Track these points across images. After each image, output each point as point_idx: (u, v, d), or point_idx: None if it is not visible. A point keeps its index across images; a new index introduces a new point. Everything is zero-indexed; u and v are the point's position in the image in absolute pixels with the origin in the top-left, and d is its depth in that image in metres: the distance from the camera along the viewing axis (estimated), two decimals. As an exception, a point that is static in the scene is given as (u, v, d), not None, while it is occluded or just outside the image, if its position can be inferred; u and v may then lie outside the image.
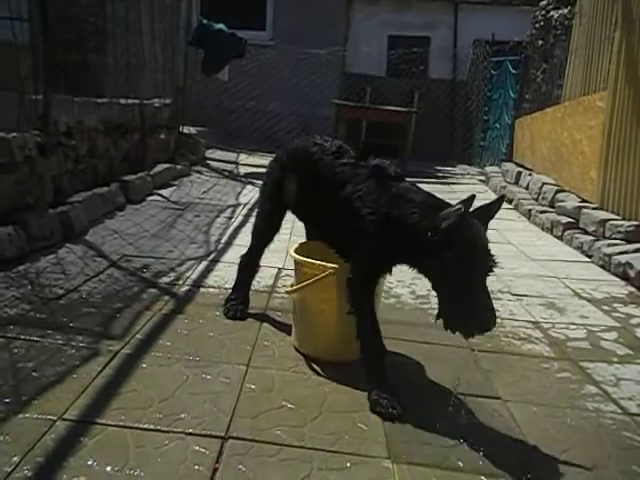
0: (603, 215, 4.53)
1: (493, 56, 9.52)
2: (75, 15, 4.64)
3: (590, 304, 3.29)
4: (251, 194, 5.69)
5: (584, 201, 5.08)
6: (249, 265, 2.78)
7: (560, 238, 4.87)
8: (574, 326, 2.94)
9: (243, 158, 8.17)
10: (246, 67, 8.96)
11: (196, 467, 1.60)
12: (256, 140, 9.18)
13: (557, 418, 2.03)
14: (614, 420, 2.05)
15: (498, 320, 2.87)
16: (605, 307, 3.25)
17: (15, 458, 1.56)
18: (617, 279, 3.79)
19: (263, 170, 2.90)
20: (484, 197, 7.29)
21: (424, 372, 2.31)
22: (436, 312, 1.98)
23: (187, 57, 7.23)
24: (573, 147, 5.60)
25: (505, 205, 6.53)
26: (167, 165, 6.07)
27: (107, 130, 4.79)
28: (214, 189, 5.91)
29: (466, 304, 1.86)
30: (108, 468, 1.57)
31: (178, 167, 6.32)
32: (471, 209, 1.88)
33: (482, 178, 8.40)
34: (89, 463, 1.58)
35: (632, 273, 3.65)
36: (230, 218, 4.71)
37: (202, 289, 3.04)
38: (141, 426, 1.76)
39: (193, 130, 7.83)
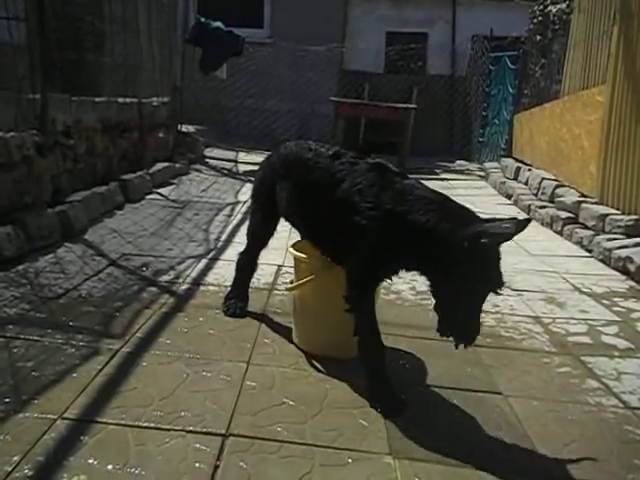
0: (603, 210, 4.52)
1: (491, 51, 9.50)
2: (72, 14, 4.63)
3: (590, 299, 3.29)
4: (250, 192, 5.67)
5: (583, 196, 5.07)
6: (247, 264, 2.77)
7: (560, 233, 4.86)
8: (575, 321, 2.94)
9: (242, 156, 8.17)
10: (244, 65, 8.94)
11: (197, 465, 1.60)
12: (255, 138, 9.16)
13: (558, 413, 2.03)
14: (615, 414, 2.05)
15: (499, 315, 2.91)
16: (605, 301, 3.25)
17: (15, 457, 1.56)
18: (617, 273, 3.78)
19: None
20: (483, 193, 7.29)
21: (425, 368, 2.31)
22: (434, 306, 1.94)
23: (185, 55, 7.21)
24: (572, 142, 5.59)
25: (505, 201, 6.53)
26: (166, 164, 6.06)
27: (105, 129, 4.78)
28: (213, 187, 5.90)
29: (465, 317, 1.82)
30: (109, 466, 1.57)
31: (177, 165, 6.31)
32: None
33: (481, 174, 8.39)
34: (90, 462, 1.58)
35: (632, 267, 3.65)
36: (229, 216, 4.71)
37: (202, 287, 3.03)
38: (141, 424, 1.76)
39: (192, 128, 7.83)
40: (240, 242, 3.72)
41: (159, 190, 5.37)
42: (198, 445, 1.68)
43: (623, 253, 3.81)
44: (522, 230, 1.76)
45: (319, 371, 2.20)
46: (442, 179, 7.99)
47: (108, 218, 4.23)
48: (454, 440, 1.81)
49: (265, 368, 2.19)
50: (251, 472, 1.59)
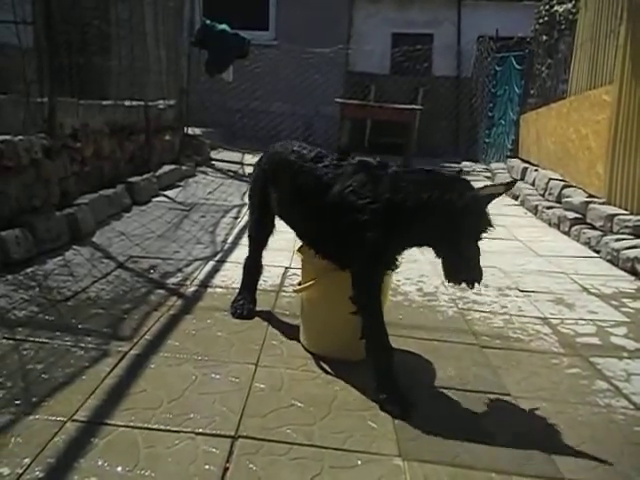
0: (610, 210, 4.50)
1: (497, 52, 9.48)
2: (79, 18, 4.65)
3: (599, 299, 3.27)
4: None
5: (591, 196, 5.05)
6: (252, 267, 2.79)
7: (567, 234, 4.84)
8: (583, 322, 2.92)
9: (248, 158, 8.17)
10: (250, 67, 8.96)
11: (206, 467, 1.60)
12: (261, 140, 9.17)
13: (568, 414, 2.02)
14: (625, 415, 2.04)
15: (507, 317, 2.90)
16: (614, 302, 3.23)
17: (26, 459, 1.57)
18: (625, 274, 3.77)
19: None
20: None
21: (433, 369, 2.30)
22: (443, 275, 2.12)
23: (191, 58, 7.24)
24: (579, 142, 5.57)
25: (511, 201, 6.51)
26: (172, 166, 6.09)
27: (112, 132, 4.81)
28: (219, 189, 5.91)
29: (467, 262, 2.03)
30: (119, 468, 1.57)
31: (183, 168, 6.33)
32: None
33: (488, 175, 8.37)
34: (100, 464, 1.58)
35: (641, 268, 3.63)
36: (236, 218, 4.71)
37: (209, 289, 3.04)
38: (151, 426, 1.77)
39: (198, 131, 7.85)
40: (247, 244, 3.72)
41: (166, 192, 5.39)
42: (207, 447, 1.69)
43: (631, 253, 3.80)
44: (510, 189, 2.10)
45: (327, 373, 2.20)
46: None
47: (115, 221, 4.25)
48: (464, 442, 1.80)
49: (273, 370, 2.19)
50: (261, 474, 1.59)
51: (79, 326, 2.44)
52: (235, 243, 3.97)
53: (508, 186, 2.06)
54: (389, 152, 9.38)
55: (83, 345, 2.26)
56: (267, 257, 3.39)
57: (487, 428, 1.89)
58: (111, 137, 4.79)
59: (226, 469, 1.60)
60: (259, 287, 3.07)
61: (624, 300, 3.28)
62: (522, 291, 3.34)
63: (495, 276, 3.60)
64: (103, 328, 2.44)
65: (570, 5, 6.74)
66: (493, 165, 8.55)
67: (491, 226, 2.02)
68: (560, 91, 6.71)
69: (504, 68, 9.05)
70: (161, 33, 6.20)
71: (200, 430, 1.76)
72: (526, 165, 7.11)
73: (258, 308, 2.75)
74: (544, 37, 7.51)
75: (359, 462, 1.67)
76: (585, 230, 4.58)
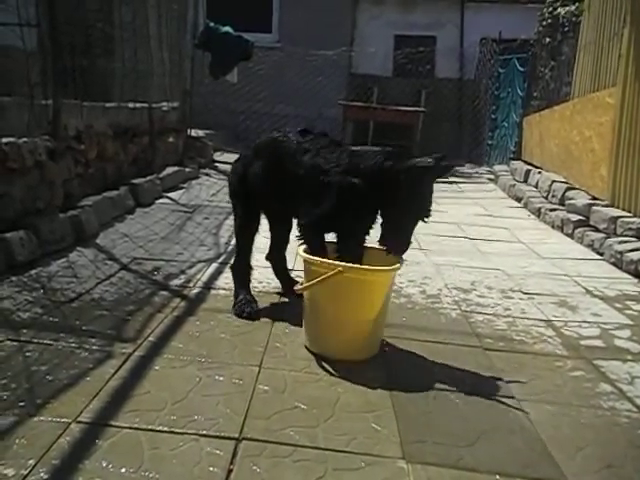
0: (614, 212, 4.50)
1: (500, 54, 9.49)
2: (82, 20, 4.67)
3: (602, 302, 3.27)
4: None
5: (594, 198, 5.05)
6: (242, 267, 2.83)
7: (571, 236, 4.84)
8: (587, 324, 2.92)
9: (251, 160, 8.18)
10: (253, 69, 8.99)
11: (211, 468, 1.60)
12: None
13: (571, 417, 2.02)
14: (629, 418, 2.03)
15: (510, 319, 2.90)
16: (618, 305, 3.23)
17: (31, 461, 1.57)
18: (629, 276, 3.76)
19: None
20: (493, 196, 7.29)
21: (436, 372, 2.30)
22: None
23: (194, 60, 7.25)
24: (583, 144, 5.57)
25: (515, 204, 6.51)
26: (176, 168, 6.10)
27: (116, 134, 4.82)
28: (223, 191, 5.91)
29: (400, 234, 2.37)
30: (123, 470, 1.57)
31: (187, 170, 6.34)
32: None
33: (491, 177, 8.37)
34: (104, 465, 1.59)
35: (644, 270, 3.62)
36: (239, 220, 4.71)
37: (212, 291, 3.04)
38: (155, 428, 1.77)
39: (201, 133, 7.86)
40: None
41: (169, 194, 5.40)
42: (211, 449, 1.69)
43: (635, 256, 3.79)
44: (441, 161, 2.29)
45: (331, 375, 2.20)
46: (451, 182, 7.97)
47: (119, 222, 4.26)
48: (467, 444, 1.80)
49: (277, 372, 2.19)
50: (264, 476, 1.59)
51: (83, 328, 2.44)
52: (238, 245, 3.97)
53: (438, 161, 2.27)
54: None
55: (87, 347, 2.27)
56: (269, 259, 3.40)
57: (490, 431, 1.89)
58: (115, 139, 4.81)
59: (230, 471, 1.60)
60: (262, 289, 3.08)
61: (628, 303, 3.27)
62: (525, 293, 3.34)
63: (498, 278, 3.60)
64: (107, 330, 2.44)
65: (573, 7, 6.75)
66: (496, 167, 8.55)
67: (428, 212, 2.33)
68: (563, 93, 6.72)
69: (507, 70, 9.06)
70: (164, 35, 6.22)
71: (204, 432, 1.76)
72: (529, 167, 7.12)
73: (261, 310, 2.75)
74: (547, 39, 7.52)
75: (363, 464, 1.67)
76: (588, 232, 4.58)
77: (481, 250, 4.34)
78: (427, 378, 2.25)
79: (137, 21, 5.49)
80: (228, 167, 7.50)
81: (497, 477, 1.66)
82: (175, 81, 6.71)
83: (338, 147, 2.52)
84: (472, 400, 2.08)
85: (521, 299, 3.24)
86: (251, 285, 2.87)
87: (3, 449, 1.62)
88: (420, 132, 8.83)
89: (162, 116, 6.07)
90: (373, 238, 2.51)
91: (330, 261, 2.28)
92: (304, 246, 2.48)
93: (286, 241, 3.00)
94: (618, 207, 4.63)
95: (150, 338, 2.39)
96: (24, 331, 2.36)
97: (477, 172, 9.07)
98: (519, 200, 6.51)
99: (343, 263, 2.25)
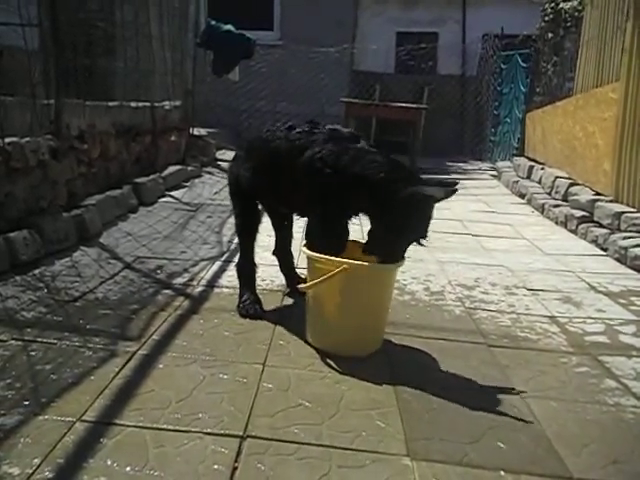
0: (618, 208, 4.48)
1: (503, 50, 9.46)
2: (84, 20, 4.67)
3: (607, 298, 3.26)
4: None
5: (598, 194, 5.03)
6: (246, 267, 2.81)
7: (574, 232, 4.82)
8: (591, 320, 2.91)
9: (253, 158, 8.18)
10: (255, 67, 8.97)
11: (215, 466, 1.60)
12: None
13: (577, 413, 2.01)
14: (635, 414, 2.03)
15: (514, 315, 2.89)
16: (622, 300, 3.22)
17: (36, 460, 1.58)
18: (633, 272, 3.75)
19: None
20: (496, 192, 7.26)
21: (440, 368, 2.30)
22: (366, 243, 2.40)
23: (196, 59, 7.25)
24: (586, 140, 5.55)
25: (518, 200, 6.49)
26: (178, 167, 6.10)
27: (118, 133, 4.82)
28: (225, 189, 5.83)
29: (391, 248, 2.30)
30: (128, 468, 1.57)
31: (189, 168, 6.34)
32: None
33: (494, 173, 8.35)
34: (109, 463, 1.59)
35: (649, 266, 3.61)
36: (242, 218, 4.71)
37: (216, 289, 3.04)
38: (160, 426, 1.77)
39: (203, 131, 7.86)
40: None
41: (172, 193, 5.41)
42: (216, 447, 1.69)
43: (639, 251, 3.77)
44: (449, 196, 2.21)
45: (335, 372, 2.20)
46: (454, 179, 7.95)
47: (122, 221, 4.27)
48: (472, 441, 1.80)
49: (281, 370, 2.19)
50: (269, 474, 1.59)
51: (87, 327, 2.45)
52: (241, 243, 3.97)
53: (449, 192, 2.20)
54: (395, 151, 9.37)
55: (91, 345, 2.27)
56: (273, 257, 3.40)
57: (495, 427, 1.88)
58: (117, 138, 4.81)
59: (235, 469, 1.60)
60: (266, 287, 3.08)
61: (632, 298, 3.26)
62: (529, 290, 3.33)
63: (502, 275, 3.59)
64: (111, 328, 2.45)
65: (576, 2, 6.72)
66: (499, 164, 8.53)
67: (424, 234, 2.28)
68: (566, 89, 6.69)
69: (509, 66, 9.03)
70: (166, 34, 6.21)
71: (208, 430, 1.76)
72: (532, 163, 7.09)
73: (265, 308, 2.75)
74: (550, 35, 7.49)
75: (367, 462, 1.67)
76: (592, 228, 4.56)
77: (485, 247, 4.33)
78: (431, 375, 2.25)
79: (139, 20, 5.49)
80: (231, 165, 7.43)
81: (502, 473, 1.66)
82: (177, 80, 6.71)
83: (340, 143, 2.38)
84: (477, 397, 2.08)
85: (525, 295, 3.23)
86: (255, 284, 2.87)
87: (8, 448, 1.62)
88: (423, 129, 8.80)
89: (164, 115, 6.07)
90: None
91: (334, 258, 2.28)
92: (320, 241, 2.42)
93: (289, 236, 3.01)
94: (622, 203, 4.61)
95: (154, 336, 2.40)
96: (28, 330, 2.36)
97: (480, 168, 9.05)
98: (522, 196, 6.50)
99: (347, 260, 2.24)
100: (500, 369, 2.32)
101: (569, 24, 6.87)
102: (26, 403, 1.84)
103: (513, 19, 9.52)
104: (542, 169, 6.62)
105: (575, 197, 5.20)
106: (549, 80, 7.50)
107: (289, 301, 2.94)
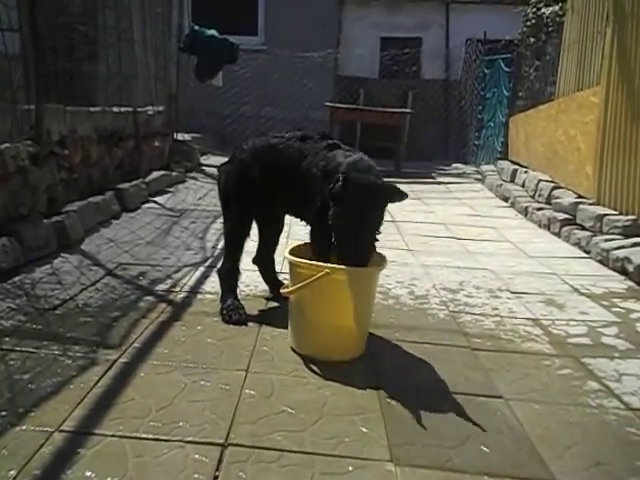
0: (600, 210, 4.52)
1: (486, 55, 9.54)
2: (66, 24, 4.63)
3: (590, 300, 3.28)
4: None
5: (580, 197, 5.08)
6: (230, 272, 2.78)
7: (558, 235, 4.86)
8: (574, 322, 2.93)
9: (238, 163, 8.15)
10: (239, 72, 8.97)
11: (196, 475, 1.58)
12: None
13: (559, 415, 2.02)
14: (617, 416, 2.03)
15: (498, 318, 2.89)
16: (605, 302, 3.24)
17: (12, 472, 1.54)
18: (616, 274, 3.78)
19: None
20: (480, 196, 7.31)
21: (425, 373, 2.29)
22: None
23: (179, 64, 7.22)
24: (568, 143, 5.60)
25: (502, 203, 6.53)
26: (162, 172, 6.06)
27: (101, 138, 4.78)
28: (210, 195, 5.89)
29: (345, 243, 2.28)
30: (107, 479, 1.54)
31: (173, 174, 6.30)
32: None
33: (478, 177, 8.40)
34: (87, 474, 1.56)
35: (630, 268, 3.64)
36: (226, 223, 4.68)
37: (199, 295, 3.01)
38: (140, 435, 1.74)
39: (187, 136, 7.82)
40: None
41: (155, 199, 5.37)
42: (197, 455, 1.66)
43: (621, 253, 3.81)
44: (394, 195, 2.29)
45: (318, 378, 2.18)
46: (439, 183, 7.99)
47: (104, 227, 4.22)
48: (456, 445, 1.79)
49: (264, 376, 2.17)
50: (251, 482, 1.57)
51: (67, 335, 2.41)
52: (225, 248, 3.95)
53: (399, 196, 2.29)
54: (380, 156, 9.40)
55: (71, 354, 2.23)
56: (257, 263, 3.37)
57: (479, 431, 1.88)
58: (99, 143, 4.77)
59: (216, 477, 1.58)
60: (250, 292, 3.06)
61: (614, 300, 3.29)
62: (513, 293, 3.34)
63: (486, 278, 3.60)
64: (91, 336, 2.41)
65: (557, 7, 6.80)
66: (483, 167, 8.59)
67: (372, 218, 2.27)
68: (548, 93, 6.76)
69: (492, 71, 9.11)
70: (149, 39, 6.18)
71: (189, 438, 1.74)
72: (516, 167, 7.15)
73: (249, 314, 2.72)
74: (532, 39, 7.57)
75: (350, 468, 1.66)
76: (575, 231, 4.60)
77: (469, 250, 4.35)
78: (415, 379, 2.24)
79: (121, 25, 5.45)
80: (215, 170, 7.49)
81: (485, 478, 1.65)
82: (160, 85, 6.67)
83: (333, 150, 2.47)
84: (460, 401, 2.07)
85: (509, 298, 3.24)
86: (238, 289, 2.85)
87: (-17, 460, 1.59)
88: (407, 133, 8.84)
89: (147, 120, 6.03)
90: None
91: (315, 262, 2.27)
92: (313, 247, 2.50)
93: (276, 243, 2.99)
94: (604, 205, 4.65)
95: (135, 344, 2.36)
96: (6, 339, 2.32)
97: (464, 172, 9.10)
98: (506, 200, 6.54)
99: (329, 264, 2.24)
100: (484, 372, 2.32)
101: (550, 29, 6.95)
102: (3, 414, 1.80)
103: (496, 24, 9.61)
104: (525, 172, 6.68)
105: (558, 200, 5.25)
106: (532, 84, 7.57)
107: (273, 307, 2.92)
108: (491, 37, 9.65)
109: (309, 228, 2.60)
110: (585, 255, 4.26)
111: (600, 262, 4.03)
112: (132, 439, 1.72)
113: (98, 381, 2.04)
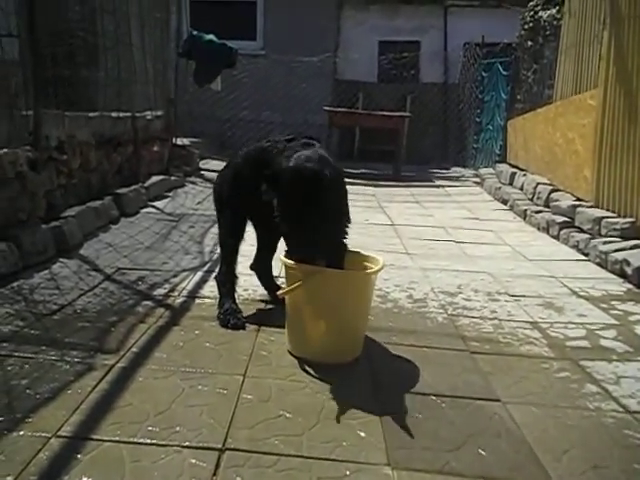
0: (598, 213, 4.53)
1: (484, 58, 9.56)
2: (64, 30, 4.64)
3: (588, 302, 3.28)
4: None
5: (579, 200, 5.08)
6: (227, 276, 2.78)
7: (556, 237, 4.86)
8: (573, 325, 2.93)
9: (237, 168, 8.15)
10: (238, 77, 8.98)
11: (193, 480, 1.58)
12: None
13: (557, 418, 2.02)
14: (615, 419, 2.03)
15: (496, 322, 2.89)
16: (603, 305, 3.24)
17: (9, 478, 1.54)
18: (614, 276, 3.78)
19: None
20: (479, 199, 7.31)
21: (423, 376, 2.29)
22: None
23: (178, 69, 7.24)
24: (566, 146, 5.61)
25: (500, 206, 6.54)
26: (161, 177, 6.07)
27: (99, 144, 4.79)
28: (208, 199, 5.86)
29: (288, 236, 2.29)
30: (104, 484, 1.54)
31: (172, 178, 6.31)
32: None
33: (477, 180, 8.41)
34: (84, 480, 1.56)
35: (629, 270, 3.64)
36: (225, 228, 4.69)
37: (197, 300, 3.01)
38: (137, 440, 1.74)
39: (187, 141, 7.83)
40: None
41: (154, 203, 5.37)
42: (194, 460, 1.66)
43: (620, 256, 3.81)
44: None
45: (316, 382, 2.18)
46: (438, 186, 8.00)
47: (103, 232, 4.22)
48: (453, 449, 1.79)
49: (261, 380, 2.17)
50: (248, 487, 1.57)
51: (65, 340, 2.41)
52: (224, 253, 3.95)
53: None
54: (379, 159, 9.43)
55: (69, 359, 2.23)
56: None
57: (476, 434, 1.88)
58: (98, 149, 4.77)
59: (213, 482, 1.58)
60: (248, 297, 3.06)
61: (613, 303, 3.29)
62: (512, 296, 3.34)
63: (485, 281, 3.60)
64: (89, 341, 2.41)
65: (554, 11, 6.81)
66: (482, 170, 8.59)
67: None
68: (546, 96, 6.77)
69: (490, 74, 9.13)
70: (148, 44, 6.19)
71: (187, 443, 1.74)
72: (514, 170, 7.16)
73: (247, 318, 2.72)
74: (529, 43, 7.58)
75: (348, 472, 1.65)
76: (574, 233, 4.60)
77: (467, 253, 4.35)
78: (413, 383, 2.23)
79: (120, 30, 5.46)
80: (214, 175, 7.49)
81: (483, 481, 1.65)
82: (159, 90, 6.68)
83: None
84: (458, 404, 2.07)
85: (507, 301, 3.24)
86: (237, 294, 2.85)
87: (-20, 466, 1.59)
88: (406, 137, 8.85)
89: (146, 125, 6.04)
90: (358, 243, 2.50)
91: (310, 265, 2.27)
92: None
93: (274, 249, 2.98)
94: (602, 208, 4.66)
95: (133, 349, 2.36)
96: (4, 345, 2.32)
97: (463, 175, 9.11)
98: (505, 203, 6.54)
99: (323, 267, 2.25)
100: (482, 376, 2.32)
101: (548, 32, 6.97)
102: (0, 419, 1.80)
103: (493, 27, 9.64)
104: (524, 175, 6.68)
105: (556, 203, 5.25)
106: (529, 87, 7.58)
107: (271, 311, 2.92)
108: (489, 40, 9.67)
109: None
110: (584, 258, 4.26)
111: (599, 264, 4.03)
112: (129, 444, 1.72)
113: (96, 386, 2.04)
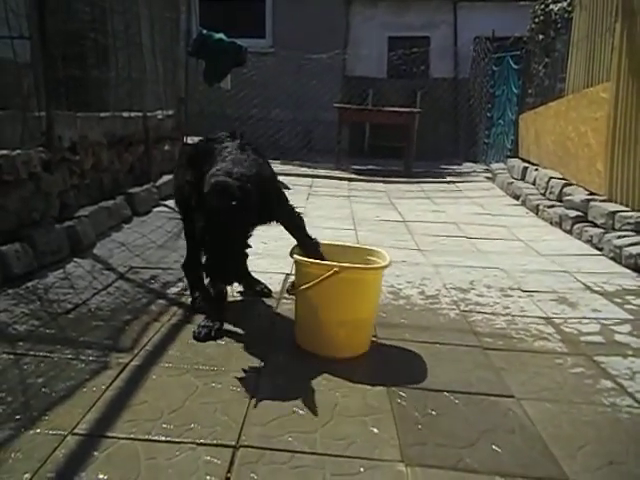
0: (612, 207, 4.48)
1: (494, 52, 9.48)
2: (75, 31, 4.67)
3: (602, 297, 3.25)
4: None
5: (592, 194, 5.04)
6: (195, 272, 2.76)
7: (569, 232, 4.82)
8: (587, 320, 2.90)
9: (248, 166, 8.16)
10: (248, 75, 8.98)
11: (208, 477, 1.59)
12: (260, 147, 9.18)
13: (572, 414, 2.01)
14: (631, 414, 2.02)
15: (510, 317, 2.88)
16: (617, 300, 3.21)
17: (26, 475, 1.56)
18: (629, 271, 3.75)
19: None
20: (491, 194, 7.26)
21: (436, 372, 2.28)
22: None
23: (188, 68, 7.26)
24: (578, 140, 5.56)
25: (513, 201, 6.50)
26: (172, 176, 6.08)
27: (111, 143, 4.81)
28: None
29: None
30: (120, 481, 1.56)
31: (183, 177, 6.32)
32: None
33: (488, 175, 8.35)
34: (100, 477, 1.57)
35: (644, 264, 3.61)
36: (236, 226, 4.70)
37: (210, 298, 3.02)
38: (152, 438, 1.76)
39: (197, 140, 7.85)
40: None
41: (166, 202, 5.39)
42: (209, 457, 1.68)
43: (634, 250, 3.78)
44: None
45: (329, 379, 2.19)
46: (449, 182, 7.96)
47: (116, 232, 4.25)
48: (467, 445, 1.79)
49: (275, 377, 2.18)
50: (262, 483, 1.58)
51: (80, 339, 2.43)
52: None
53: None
54: (390, 156, 9.40)
55: (84, 358, 2.26)
56: (268, 264, 3.40)
57: (490, 431, 1.87)
58: (110, 148, 4.80)
59: (227, 479, 1.59)
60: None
61: (627, 297, 3.26)
62: (524, 291, 3.32)
63: (497, 277, 3.58)
64: (104, 340, 2.43)
65: (565, 4, 6.74)
66: (493, 165, 8.54)
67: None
68: (558, 90, 6.70)
69: (501, 68, 9.05)
70: (158, 44, 6.21)
71: (201, 440, 1.75)
72: (526, 165, 7.10)
73: (259, 316, 2.74)
74: (540, 36, 7.51)
75: (361, 469, 1.66)
76: (587, 228, 4.56)
77: (480, 249, 4.33)
78: (426, 379, 2.23)
79: (130, 30, 5.49)
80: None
81: (497, 478, 1.65)
82: (170, 89, 6.70)
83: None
84: (472, 400, 2.07)
85: (520, 297, 3.23)
86: (249, 290, 2.85)
87: (-1, 463, 1.61)
88: (416, 132, 8.81)
89: (157, 124, 6.07)
90: (370, 240, 2.50)
91: (324, 262, 2.28)
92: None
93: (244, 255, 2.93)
94: (616, 202, 4.61)
95: (147, 347, 2.38)
96: (20, 344, 2.35)
97: (474, 171, 9.05)
98: (517, 198, 6.50)
99: (337, 263, 2.25)
100: (495, 372, 2.31)
101: (559, 25, 6.89)
102: (17, 417, 1.83)
103: (504, 21, 9.53)
104: (536, 170, 6.63)
105: (569, 197, 5.21)
106: (541, 81, 7.51)
107: (283, 308, 2.93)
108: (499, 34, 9.56)
109: None
110: (597, 252, 4.23)
111: (612, 259, 4.00)
112: (144, 441, 1.74)
113: (110, 384, 2.06)
